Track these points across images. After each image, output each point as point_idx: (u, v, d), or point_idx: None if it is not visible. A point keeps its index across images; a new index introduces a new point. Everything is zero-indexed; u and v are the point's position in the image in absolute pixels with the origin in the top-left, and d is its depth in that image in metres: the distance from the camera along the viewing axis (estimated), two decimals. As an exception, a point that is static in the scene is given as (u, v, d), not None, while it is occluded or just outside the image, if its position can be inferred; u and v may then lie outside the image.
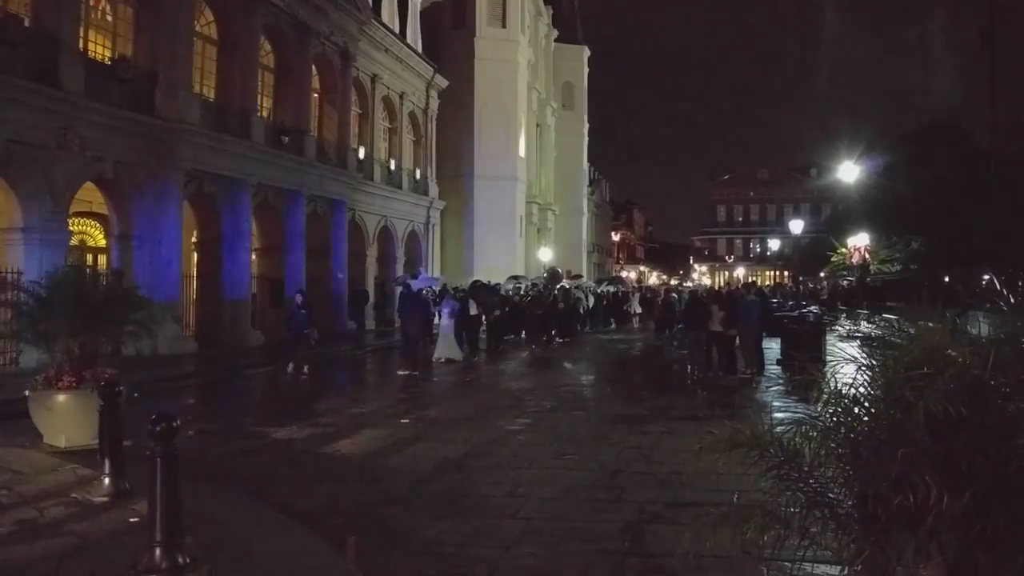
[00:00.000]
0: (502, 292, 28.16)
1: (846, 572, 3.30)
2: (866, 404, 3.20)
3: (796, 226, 32.05)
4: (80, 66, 18.10)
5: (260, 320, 24.87)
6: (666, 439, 10.15)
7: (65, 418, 8.50)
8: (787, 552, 5.65)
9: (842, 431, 3.20)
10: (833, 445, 3.23)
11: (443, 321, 20.83)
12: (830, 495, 3.26)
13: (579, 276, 45.80)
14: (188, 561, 5.00)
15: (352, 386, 17.73)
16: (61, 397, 8.48)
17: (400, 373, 17.79)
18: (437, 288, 25.68)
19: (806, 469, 3.30)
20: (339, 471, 8.70)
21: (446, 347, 20.48)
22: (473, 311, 22.23)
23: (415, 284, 24.79)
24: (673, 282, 63.52)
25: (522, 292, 30.43)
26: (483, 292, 24.67)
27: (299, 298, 18.67)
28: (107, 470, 6.76)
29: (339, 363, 21.65)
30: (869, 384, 3.24)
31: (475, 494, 7.65)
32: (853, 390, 3.27)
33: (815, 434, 3.29)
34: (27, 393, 8.85)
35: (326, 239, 28.71)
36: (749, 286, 19.92)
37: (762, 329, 17.70)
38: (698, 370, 16.82)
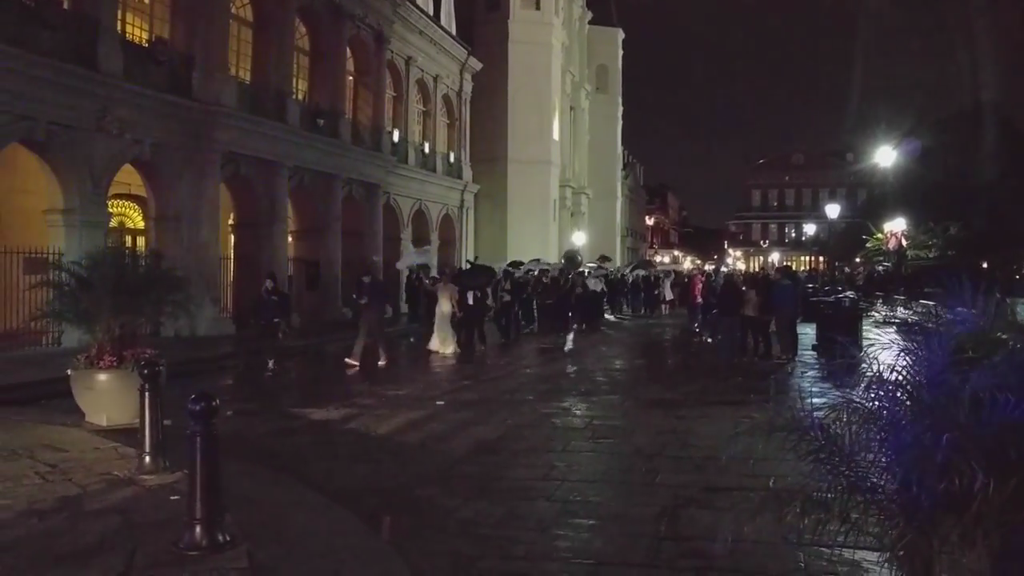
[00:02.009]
0: (517, 277, 25.58)
1: (886, 558, 3.26)
2: (909, 388, 3.15)
3: (832, 211, 31.63)
4: (118, 48, 18.30)
5: (297, 302, 25.04)
6: (701, 424, 10.09)
7: (106, 397, 8.63)
8: (826, 537, 5.66)
9: (884, 415, 3.16)
10: (875, 430, 3.18)
11: (438, 309, 18.85)
12: (872, 480, 3.22)
13: (608, 259, 44.70)
14: (228, 539, 5.08)
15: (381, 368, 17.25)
16: (102, 376, 8.61)
17: (348, 361, 15.89)
18: (425, 262, 23.40)
19: (846, 453, 3.26)
20: (375, 452, 8.76)
21: (441, 336, 18.56)
22: (470, 300, 19.86)
23: (399, 263, 23.46)
24: (708, 267, 62.89)
25: (535, 275, 27.68)
26: (468, 275, 21.83)
27: (268, 283, 16.05)
28: (148, 449, 6.86)
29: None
30: (912, 368, 3.18)
31: (510, 476, 7.66)
32: (896, 374, 3.22)
33: (857, 418, 3.24)
34: (69, 372, 9.00)
35: (361, 222, 28.83)
36: (783, 270, 19.71)
37: (797, 314, 17.56)
38: (732, 355, 16.70)
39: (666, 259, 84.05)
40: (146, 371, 6.90)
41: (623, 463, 8.13)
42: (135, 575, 4.63)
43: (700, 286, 25.06)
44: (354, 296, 17.53)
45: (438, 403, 11.83)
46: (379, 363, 15.95)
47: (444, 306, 18.60)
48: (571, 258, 35.55)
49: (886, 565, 5.04)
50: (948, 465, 2.84)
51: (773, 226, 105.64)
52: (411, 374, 15.71)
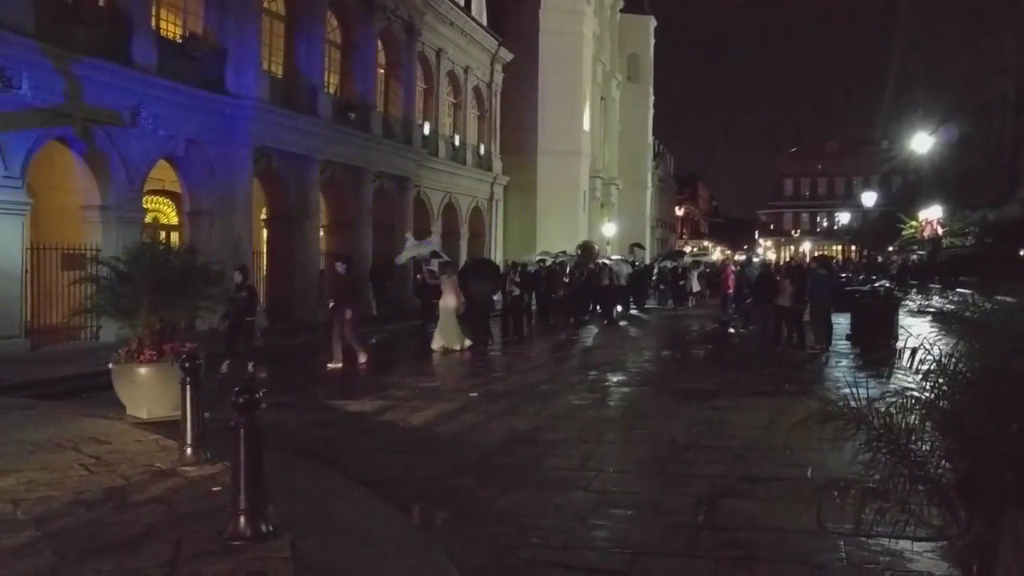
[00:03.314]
0: (528, 270, 24.40)
1: (934, 548, 3.24)
2: (971, 376, 3.10)
3: (869, 199, 31.17)
4: (152, 44, 18.49)
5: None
6: (735, 414, 10.05)
7: (147, 390, 8.76)
8: (871, 527, 5.61)
9: (943, 404, 3.11)
10: (936, 418, 3.14)
11: (443, 303, 17.65)
12: (932, 470, 3.18)
13: (641, 247, 43.84)
14: (271, 529, 5.15)
15: (413, 361, 16.82)
16: (143, 370, 8.74)
17: (330, 367, 14.62)
18: (427, 254, 21.13)
19: (905, 443, 3.22)
20: (411, 443, 8.82)
21: (447, 333, 17.35)
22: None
23: (398, 258, 21.77)
24: (738, 257, 62.42)
25: (548, 267, 26.60)
26: (473, 273, 20.32)
27: (237, 276, 14.66)
28: (189, 441, 6.96)
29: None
30: (970, 356, 3.14)
31: (546, 467, 7.68)
32: (955, 362, 3.18)
33: (915, 407, 3.20)
34: (110, 366, 9.14)
35: (392, 215, 28.93)
36: (819, 260, 19.53)
37: (832, 304, 17.41)
38: (766, 345, 16.60)
39: (695, 250, 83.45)
40: (187, 365, 6.99)
41: (658, 453, 8.11)
42: (182, 564, 4.70)
43: (732, 276, 24.88)
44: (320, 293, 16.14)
45: (470, 395, 11.87)
46: (359, 362, 14.85)
47: (449, 300, 17.52)
48: (587, 249, 33.32)
49: (930, 555, 5.03)
50: (1016, 455, 2.80)
51: (805, 215, 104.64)
52: (437, 368, 15.67)
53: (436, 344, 17.27)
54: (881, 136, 78.35)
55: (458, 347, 17.17)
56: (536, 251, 34.51)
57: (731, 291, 24.83)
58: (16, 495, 5.97)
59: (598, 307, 25.87)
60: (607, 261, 29.49)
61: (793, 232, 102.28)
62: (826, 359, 15.48)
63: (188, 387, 6.95)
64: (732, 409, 10.37)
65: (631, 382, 13.41)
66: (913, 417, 3.20)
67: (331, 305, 15.14)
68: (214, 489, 6.22)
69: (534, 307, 24.12)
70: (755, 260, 34.07)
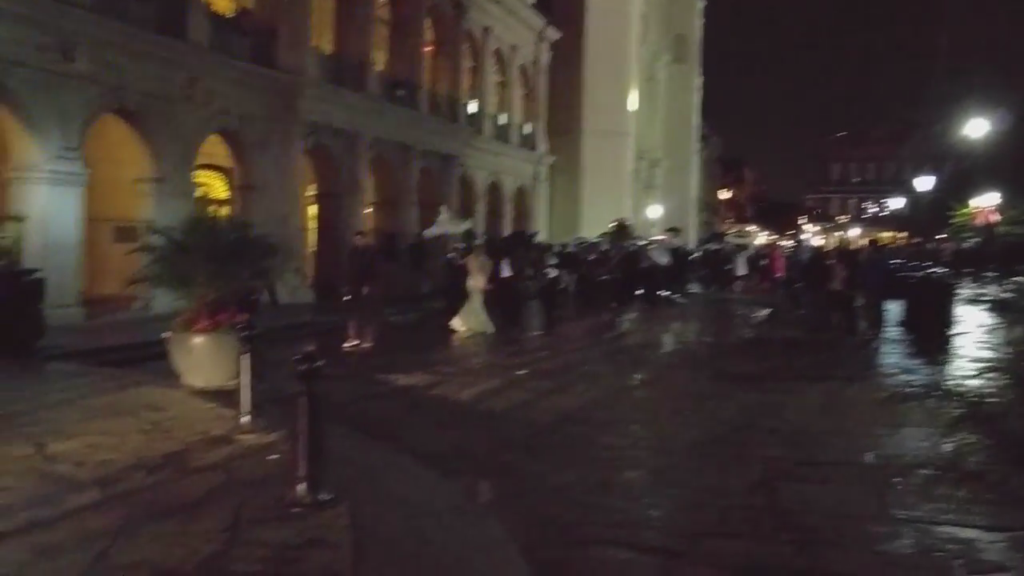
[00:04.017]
0: (567, 251, 23.96)
1: (1013, 537, 3.13)
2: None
3: (923, 183, 30.47)
4: (206, 19, 18.65)
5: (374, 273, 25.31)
6: (788, 398, 9.90)
7: (202, 360, 8.84)
8: (928, 511, 5.50)
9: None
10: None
11: (469, 283, 16.68)
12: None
13: (678, 231, 42.67)
14: (329, 497, 5.17)
15: (457, 339, 16.19)
16: (198, 339, 8.81)
17: (347, 347, 13.85)
18: (459, 232, 20.10)
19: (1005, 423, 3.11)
20: (461, 418, 8.82)
21: (472, 316, 16.45)
22: (506, 272, 17.77)
23: (426, 232, 20.88)
24: (784, 242, 61.54)
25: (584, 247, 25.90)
26: (505, 245, 19.53)
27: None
28: (246, 409, 7.02)
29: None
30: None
31: (597, 445, 7.63)
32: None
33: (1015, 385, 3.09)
34: (166, 336, 9.24)
35: (437, 194, 28.95)
36: (872, 244, 19.13)
37: (884, 290, 17.06)
38: (817, 330, 16.35)
39: (734, 232, 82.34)
40: (244, 334, 7.04)
41: (712, 435, 8.01)
42: (243, 529, 4.73)
43: (780, 260, 24.51)
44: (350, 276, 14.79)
45: (517, 373, 11.83)
46: (363, 343, 14.05)
47: (476, 280, 16.55)
48: (621, 228, 32.29)
49: (1002, 545, 4.91)
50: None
51: (852, 200, 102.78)
52: (481, 346, 15.38)
53: (457, 325, 16.40)
54: (933, 120, 76.62)
55: (482, 331, 16.18)
56: (581, 232, 34.35)
57: (780, 275, 24.46)
58: (79, 457, 6.07)
59: (638, 290, 25.22)
60: (645, 242, 28.88)
61: (840, 217, 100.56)
62: (878, 345, 15.20)
63: (245, 357, 6.99)
64: (785, 393, 10.21)
65: (679, 364, 13.31)
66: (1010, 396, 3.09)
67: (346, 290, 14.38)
68: (271, 457, 6.26)
69: (572, 289, 23.73)
70: (804, 244, 33.41)
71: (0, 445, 6.35)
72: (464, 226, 20.34)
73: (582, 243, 27.43)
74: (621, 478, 6.54)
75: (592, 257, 24.39)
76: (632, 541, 5.14)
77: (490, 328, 16.34)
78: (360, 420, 8.25)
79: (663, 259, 25.64)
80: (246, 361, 7.01)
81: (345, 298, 14.32)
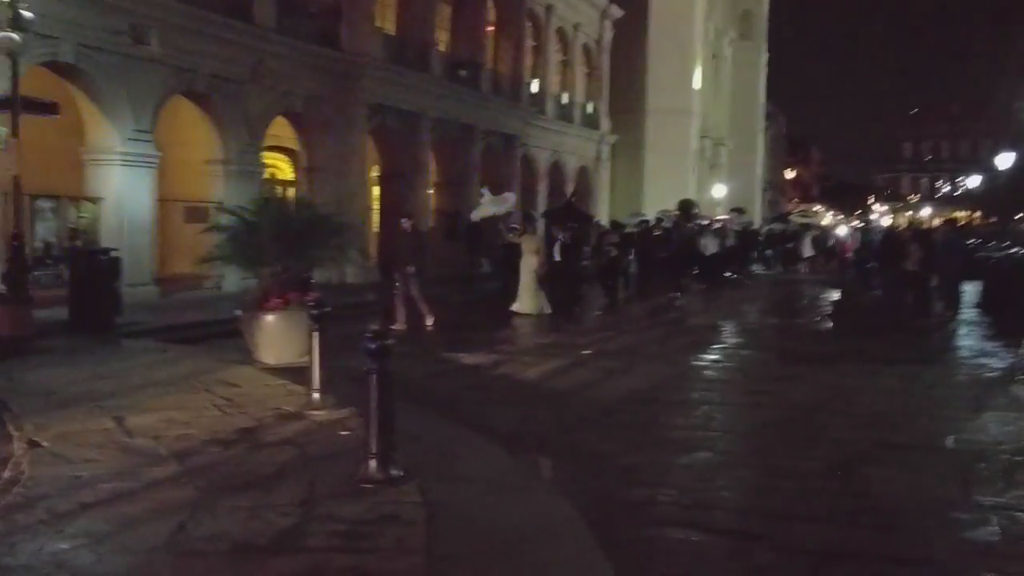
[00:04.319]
0: (627, 231, 23.15)
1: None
2: None
3: (1005, 160, 29.27)
4: (272, 2, 18.82)
5: (437, 252, 25.44)
6: (862, 380, 9.66)
7: (273, 337, 8.99)
8: (1013, 497, 5.29)
9: None
10: None
11: (523, 264, 16.13)
12: None
13: (742, 211, 41.50)
14: (401, 474, 5.19)
15: (518, 319, 15.83)
16: (269, 317, 8.96)
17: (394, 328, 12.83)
18: (503, 212, 19.15)
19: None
20: (528, 397, 8.80)
21: (527, 297, 15.91)
22: (557, 256, 17.33)
23: (473, 213, 20.23)
24: (853, 223, 59.99)
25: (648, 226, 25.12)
26: (559, 215, 18.78)
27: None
28: (316, 386, 7.09)
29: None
30: None
31: (668, 426, 7.54)
32: None
33: None
34: (238, 313, 9.42)
35: (499, 174, 28.84)
36: (949, 224, 18.53)
37: (961, 270, 16.54)
38: (891, 311, 15.92)
39: (797, 212, 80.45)
40: (315, 312, 7.11)
41: (784, 416, 7.84)
42: (317, 504, 4.78)
43: (851, 240, 23.90)
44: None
45: (583, 353, 11.75)
46: (426, 324, 13.87)
47: (529, 260, 16.03)
48: (685, 208, 31.55)
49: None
50: None
51: (924, 180, 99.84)
52: (544, 326, 15.12)
53: (517, 306, 15.96)
54: (1013, 96, 73.79)
55: (537, 313, 15.76)
56: (643, 212, 33.95)
57: (850, 255, 23.86)
58: (157, 431, 6.21)
59: (700, 269, 24.61)
60: (707, 222, 28.24)
61: (911, 197, 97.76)
62: (955, 327, 14.74)
63: (316, 334, 7.06)
64: (858, 375, 9.96)
65: (747, 345, 13.09)
66: None
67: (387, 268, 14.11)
68: (342, 433, 6.33)
69: (633, 269, 23.35)
70: (875, 224, 32.46)
71: (83, 419, 6.53)
72: (508, 205, 19.54)
73: (643, 221, 26.96)
74: (692, 459, 6.43)
75: (653, 235, 23.85)
76: (706, 523, 5.05)
77: (546, 309, 15.94)
78: (426, 397, 8.28)
79: (711, 246, 24.76)
80: (317, 339, 7.07)
81: (396, 283, 14.07)
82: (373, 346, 5.17)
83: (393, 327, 13.09)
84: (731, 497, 5.61)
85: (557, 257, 17.09)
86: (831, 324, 16.22)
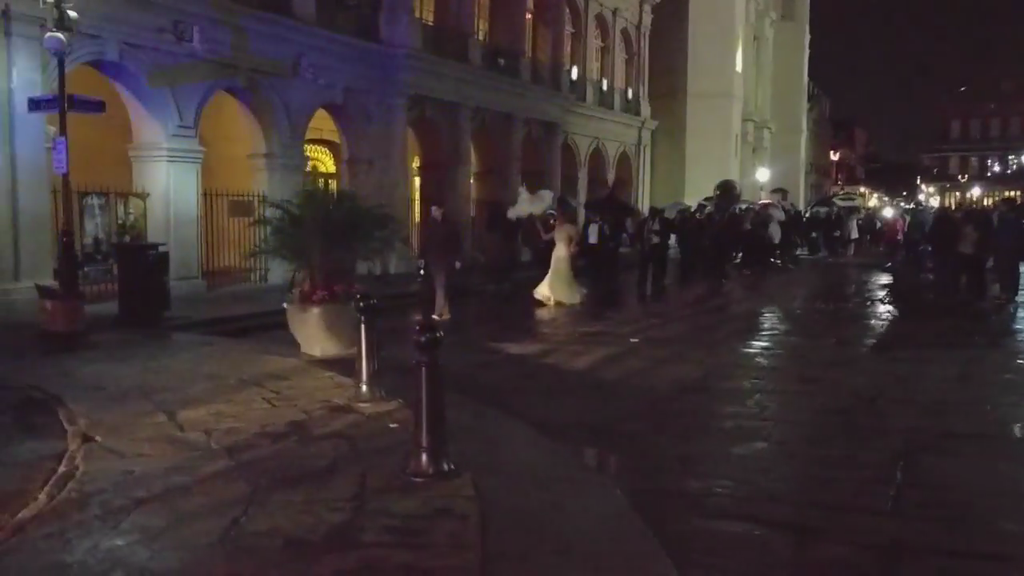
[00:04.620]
0: (669, 217, 21.98)
1: None
2: None
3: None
4: (311, -6, 18.84)
5: (478, 242, 25.42)
6: (921, 366, 9.41)
7: (319, 329, 8.98)
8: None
9: None
10: None
11: (555, 253, 15.87)
12: None
13: (784, 192, 40.41)
14: (452, 467, 5.12)
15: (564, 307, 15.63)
16: (316, 310, 8.96)
17: (437, 317, 13.09)
18: (542, 211, 18.71)
19: None
20: (576, 386, 8.69)
21: (559, 285, 15.61)
22: (593, 239, 16.93)
23: (510, 211, 19.84)
24: (901, 205, 58.77)
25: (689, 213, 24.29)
26: (598, 207, 18.47)
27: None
28: (364, 378, 7.06)
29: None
30: None
31: (721, 415, 7.38)
32: None
33: None
34: (284, 306, 9.44)
35: (540, 162, 28.74)
36: (1007, 202, 17.98)
37: (1019, 251, 16.05)
38: (946, 295, 15.52)
39: (840, 193, 79.04)
40: (363, 305, 7.07)
41: (841, 405, 7.64)
42: (369, 499, 4.73)
43: (900, 222, 23.37)
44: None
45: (631, 341, 11.61)
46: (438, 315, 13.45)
47: (560, 249, 15.80)
48: (727, 190, 30.73)
49: None
50: None
51: (974, 159, 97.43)
52: (589, 314, 15.00)
53: (540, 294, 15.65)
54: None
55: (569, 302, 15.47)
56: (684, 197, 33.56)
57: (900, 238, 23.33)
58: (207, 426, 6.21)
59: (743, 255, 24.09)
60: (748, 205, 27.70)
61: (960, 177, 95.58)
62: (1013, 310, 14.32)
63: (364, 327, 7.02)
64: (916, 361, 9.71)
65: (797, 331, 12.82)
66: None
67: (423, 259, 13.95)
68: (391, 426, 6.28)
69: (675, 255, 22.80)
70: (925, 205, 31.76)
71: (134, 413, 6.57)
72: (544, 204, 19.26)
73: (684, 209, 26.41)
74: (748, 449, 6.29)
75: (694, 220, 23.29)
76: (765, 516, 4.91)
77: (576, 299, 15.61)
78: (474, 388, 8.20)
79: (775, 232, 24.27)
80: (364, 331, 7.03)
81: (420, 272, 13.93)
82: (423, 338, 5.10)
83: (434, 316, 13.10)
84: (791, 489, 5.46)
85: (593, 240, 16.68)
86: (884, 308, 15.85)
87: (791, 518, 4.90)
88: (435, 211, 14.54)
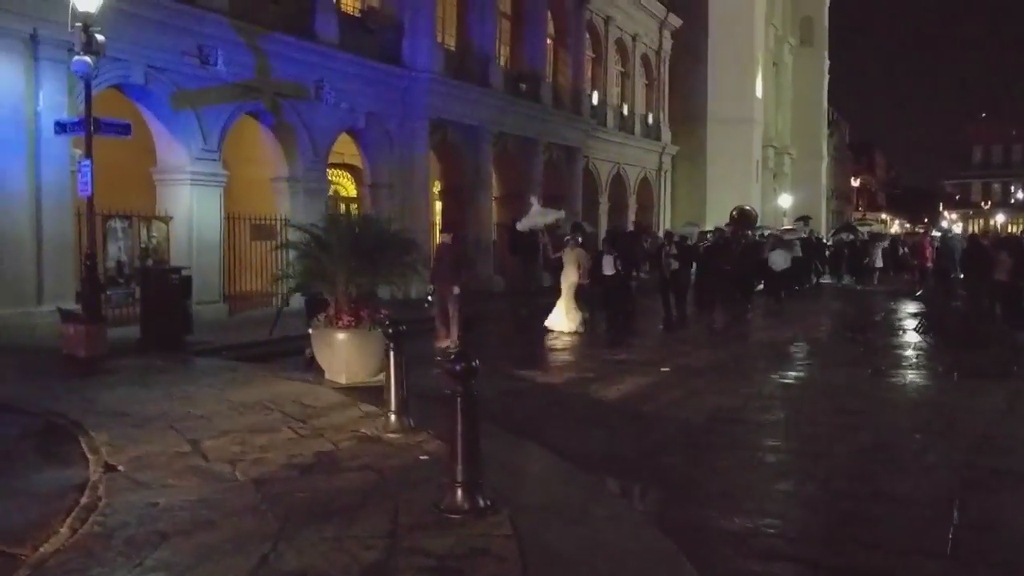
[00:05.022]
0: (689, 243, 21.67)
1: None
2: None
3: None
4: (334, 19, 18.85)
5: (500, 266, 25.27)
6: (963, 398, 9.13)
7: (345, 356, 8.79)
8: None
9: None
10: None
11: (563, 279, 15.67)
12: None
13: (808, 219, 39.90)
14: (489, 504, 4.90)
15: (595, 335, 15.63)
16: (341, 335, 8.77)
17: (440, 346, 13.00)
18: (549, 222, 18.49)
19: None
20: (609, 417, 8.45)
21: (561, 314, 15.39)
22: (609, 270, 16.48)
23: (519, 224, 19.44)
24: (920, 230, 58.26)
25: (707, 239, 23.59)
26: (616, 240, 17.94)
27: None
28: (393, 407, 6.86)
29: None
30: None
31: (760, 448, 7.14)
32: None
33: None
34: (310, 331, 9.27)
35: (561, 187, 28.62)
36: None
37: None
38: (981, 323, 15.19)
39: (858, 219, 78.35)
40: (391, 331, 6.88)
41: (884, 439, 7.38)
42: (402, 536, 4.53)
43: (929, 249, 23.03)
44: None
45: (662, 370, 11.36)
46: (443, 344, 13.19)
47: (570, 275, 15.51)
48: (743, 216, 30.18)
49: None
50: None
51: (996, 185, 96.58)
52: (619, 341, 14.91)
53: (551, 322, 15.43)
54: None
55: (569, 329, 15.13)
56: (706, 223, 33.24)
57: (930, 265, 22.98)
58: (232, 456, 6.03)
59: (767, 283, 23.64)
60: (766, 232, 27.22)
61: (983, 204, 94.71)
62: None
63: (392, 353, 6.83)
64: (957, 392, 9.44)
65: (832, 362, 12.48)
66: None
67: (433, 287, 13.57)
68: (422, 457, 6.08)
69: (690, 283, 22.15)
70: (953, 233, 31.32)
71: (158, 441, 6.40)
72: (553, 217, 19.03)
73: (704, 233, 25.86)
74: (790, 486, 6.04)
75: (708, 246, 22.44)
76: (817, 558, 4.68)
77: (572, 326, 15.20)
78: (504, 418, 7.98)
79: (785, 261, 23.65)
80: (393, 358, 6.84)
81: (428, 297, 13.77)
82: (458, 367, 4.90)
83: (438, 345, 13.09)
84: (840, 528, 5.20)
85: (609, 271, 16.46)
86: (918, 338, 15.48)
87: (845, 560, 4.67)
88: (445, 236, 14.42)
